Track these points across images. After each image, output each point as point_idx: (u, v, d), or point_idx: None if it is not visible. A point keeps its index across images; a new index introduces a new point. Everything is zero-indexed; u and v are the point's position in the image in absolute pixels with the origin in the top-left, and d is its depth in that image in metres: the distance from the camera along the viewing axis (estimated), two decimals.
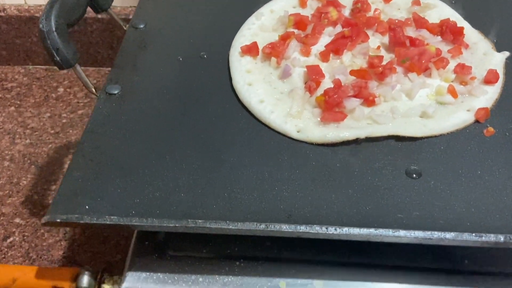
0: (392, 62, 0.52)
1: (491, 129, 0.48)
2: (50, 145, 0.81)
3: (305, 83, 0.52)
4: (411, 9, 0.60)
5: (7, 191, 0.75)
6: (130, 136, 0.47)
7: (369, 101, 0.49)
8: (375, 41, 0.56)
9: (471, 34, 0.57)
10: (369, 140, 0.47)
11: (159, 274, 0.42)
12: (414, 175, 0.44)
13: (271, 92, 0.52)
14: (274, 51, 0.55)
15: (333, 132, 0.47)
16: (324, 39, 0.56)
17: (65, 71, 0.97)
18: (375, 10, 0.59)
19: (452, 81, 0.51)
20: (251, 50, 0.55)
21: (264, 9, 0.62)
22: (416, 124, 0.48)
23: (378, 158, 0.45)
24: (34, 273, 0.43)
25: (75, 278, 0.43)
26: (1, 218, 0.72)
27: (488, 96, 0.51)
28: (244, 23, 0.60)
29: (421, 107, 0.49)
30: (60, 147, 0.81)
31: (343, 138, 0.47)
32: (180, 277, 0.42)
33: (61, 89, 0.92)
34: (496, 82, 0.52)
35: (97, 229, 0.69)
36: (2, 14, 0.91)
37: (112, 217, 0.38)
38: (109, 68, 0.96)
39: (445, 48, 0.54)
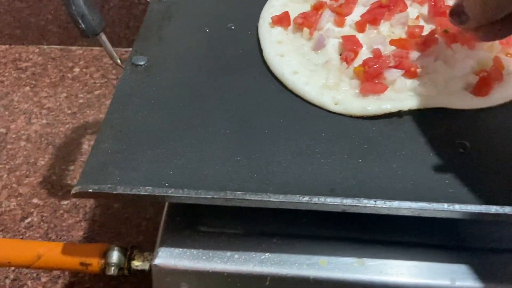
0: (434, 32, 0.49)
1: None
2: (67, 125, 0.80)
3: (341, 54, 0.49)
4: None
5: (24, 171, 0.73)
6: (159, 107, 0.45)
7: (410, 72, 0.46)
8: (413, 11, 0.53)
9: None
10: (412, 112, 0.45)
11: (192, 250, 0.40)
12: (461, 149, 0.41)
13: (305, 63, 0.49)
14: (307, 22, 0.52)
15: (374, 104, 0.44)
16: (359, 9, 0.53)
17: (80, 51, 0.95)
18: None
19: (497, 53, 0.48)
20: (282, 20, 0.53)
21: None
22: (462, 96, 0.45)
23: (422, 132, 0.43)
24: (60, 249, 0.41)
25: (104, 254, 0.41)
26: (19, 198, 0.70)
27: None
28: None
29: (465, 79, 0.46)
30: (78, 128, 0.79)
31: (385, 110, 0.44)
32: (214, 254, 0.40)
33: (77, 69, 0.90)
34: None
35: (120, 207, 0.67)
36: None
37: (146, 187, 0.36)
38: (126, 49, 0.94)
39: None
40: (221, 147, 0.41)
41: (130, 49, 0.52)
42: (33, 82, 0.88)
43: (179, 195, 0.36)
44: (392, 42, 0.48)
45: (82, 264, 0.41)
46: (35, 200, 0.70)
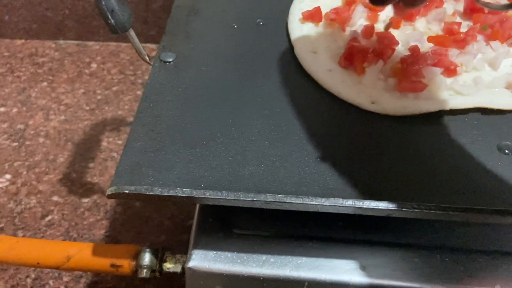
0: (474, 29, 0.47)
1: None
2: (86, 122, 0.78)
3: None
4: None
5: (44, 168, 0.72)
6: (190, 106, 0.44)
7: (450, 71, 0.45)
8: (449, 7, 0.51)
9: None
10: (453, 113, 0.43)
11: (227, 253, 0.39)
12: (507, 151, 0.40)
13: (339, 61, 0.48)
14: (339, 17, 0.50)
15: (413, 104, 0.43)
16: None
17: (97, 46, 0.94)
18: None
19: None
20: (313, 16, 0.51)
21: None
22: (504, 96, 0.43)
23: (464, 133, 0.41)
24: (90, 250, 0.40)
25: (135, 256, 0.40)
26: (38, 196, 0.69)
27: None
28: None
29: (506, 77, 0.45)
30: (96, 124, 0.78)
31: (425, 110, 0.43)
32: (250, 257, 0.39)
33: (94, 65, 0.89)
34: None
35: (141, 206, 0.66)
36: None
37: (184, 189, 0.35)
38: (143, 44, 0.93)
39: None
40: (256, 147, 0.40)
41: (148, 44, 0.51)
42: (50, 77, 0.87)
43: (217, 197, 0.35)
44: (430, 39, 0.47)
45: (112, 265, 0.40)
46: (55, 198, 0.69)
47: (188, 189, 0.35)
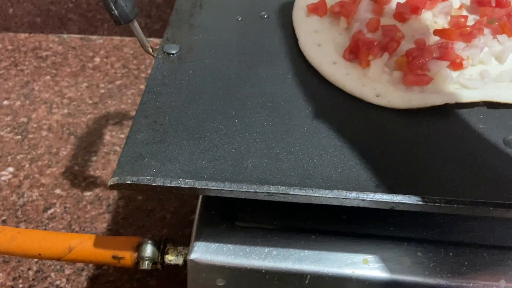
0: (480, 22, 0.47)
1: None
2: (89, 116, 0.78)
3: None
4: None
5: (46, 161, 0.72)
6: (194, 97, 0.43)
7: (455, 64, 0.44)
8: (455, 1, 0.51)
9: None
10: (458, 106, 0.43)
11: (229, 245, 0.38)
12: None
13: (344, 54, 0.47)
14: (344, 10, 0.50)
15: (418, 97, 0.42)
16: None
17: (101, 40, 0.94)
18: None
19: None
20: (318, 9, 0.51)
21: None
22: (511, 89, 0.43)
23: (470, 126, 0.41)
24: (92, 242, 0.40)
25: (137, 248, 0.40)
26: (41, 189, 0.69)
27: None
28: None
29: None
30: (99, 118, 0.78)
31: (430, 103, 0.42)
32: (252, 250, 0.38)
33: (97, 59, 0.89)
34: None
35: (143, 200, 0.66)
36: None
37: (187, 180, 0.35)
38: (148, 38, 0.93)
39: None
40: (259, 139, 0.40)
41: (151, 38, 0.50)
42: (54, 71, 0.87)
43: (220, 188, 0.34)
44: (436, 32, 0.46)
45: (114, 257, 0.40)
46: (57, 191, 0.69)
47: (191, 180, 0.35)
